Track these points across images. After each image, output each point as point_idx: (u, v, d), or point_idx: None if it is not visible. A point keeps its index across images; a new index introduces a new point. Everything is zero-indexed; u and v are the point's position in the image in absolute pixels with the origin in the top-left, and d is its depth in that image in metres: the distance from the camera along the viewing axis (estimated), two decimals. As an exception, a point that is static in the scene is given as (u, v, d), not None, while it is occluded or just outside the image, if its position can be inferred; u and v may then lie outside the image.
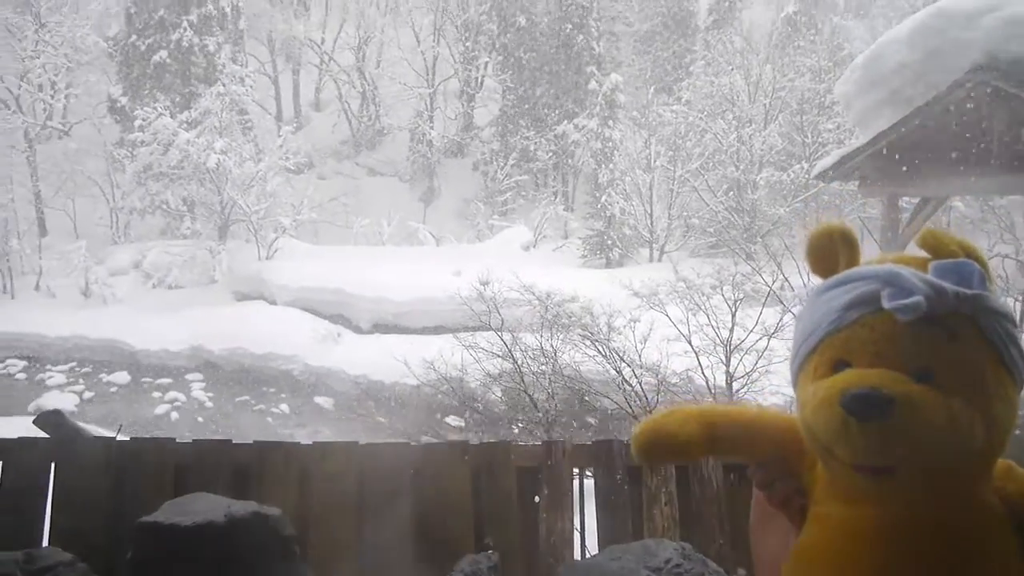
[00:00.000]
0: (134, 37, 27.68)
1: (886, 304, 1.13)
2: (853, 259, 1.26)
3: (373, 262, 22.28)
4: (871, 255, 1.34)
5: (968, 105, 8.34)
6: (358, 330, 20.36)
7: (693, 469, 3.76)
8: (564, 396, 11.41)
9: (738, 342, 10.88)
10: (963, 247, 1.20)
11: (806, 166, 21.84)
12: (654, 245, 24.81)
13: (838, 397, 1.12)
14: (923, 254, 1.21)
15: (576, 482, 3.86)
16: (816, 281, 1.35)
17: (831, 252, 1.28)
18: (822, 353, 1.21)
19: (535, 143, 30.43)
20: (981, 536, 1.17)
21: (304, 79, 36.47)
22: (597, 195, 25.42)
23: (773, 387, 10.62)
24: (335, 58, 34.92)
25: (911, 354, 1.12)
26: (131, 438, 4.06)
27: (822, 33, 27.02)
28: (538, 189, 31.66)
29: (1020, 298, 11.81)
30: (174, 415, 16.53)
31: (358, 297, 20.65)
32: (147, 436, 4.58)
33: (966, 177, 8.94)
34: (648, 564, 2.64)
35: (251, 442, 3.90)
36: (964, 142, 8.54)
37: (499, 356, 11.59)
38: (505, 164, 30.70)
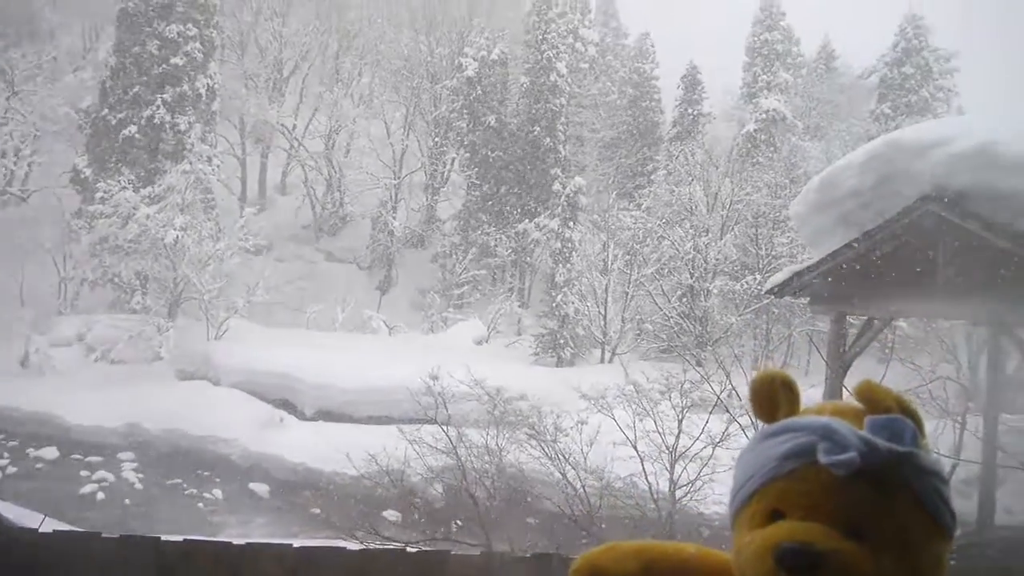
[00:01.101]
0: (106, 111, 27.73)
1: (821, 459, 1.13)
2: (793, 405, 1.26)
3: (323, 348, 22.06)
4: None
5: (915, 232, 8.63)
6: (302, 416, 19.99)
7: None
8: (506, 495, 11.25)
9: (683, 449, 10.87)
10: (898, 403, 1.20)
11: (759, 277, 22.31)
12: (606, 346, 24.96)
13: (771, 550, 1.10)
14: (859, 406, 1.21)
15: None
16: (759, 425, 1.35)
17: (772, 397, 1.28)
18: (759, 501, 1.20)
19: (495, 239, 30.77)
20: None
21: (272, 162, 36.73)
22: (553, 294, 25.65)
23: (716, 496, 10.57)
24: (304, 144, 35.31)
25: (843, 509, 1.11)
26: (54, 531, 3.84)
27: (780, 152, 28.02)
28: (495, 284, 31.87)
29: (959, 420, 12.00)
30: (100, 495, 15.87)
31: (305, 382, 20.35)
32: (69, 527, 4.36)
33: (911, 300, 9.19)
34: None
35: (181, 539, 3.71)
36: (910, 267, 8.80)
37: (443, 452, 11.43)
38: (464, 258, 30.93)
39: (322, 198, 35.56)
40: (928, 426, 1.23)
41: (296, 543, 3.77)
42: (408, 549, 3.67)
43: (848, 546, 1.08)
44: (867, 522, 1.11)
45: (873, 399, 1.21)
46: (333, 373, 20.17)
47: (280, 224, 33.93)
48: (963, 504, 9.65)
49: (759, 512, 1.20)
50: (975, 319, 11.41)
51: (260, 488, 16.74)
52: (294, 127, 35.54)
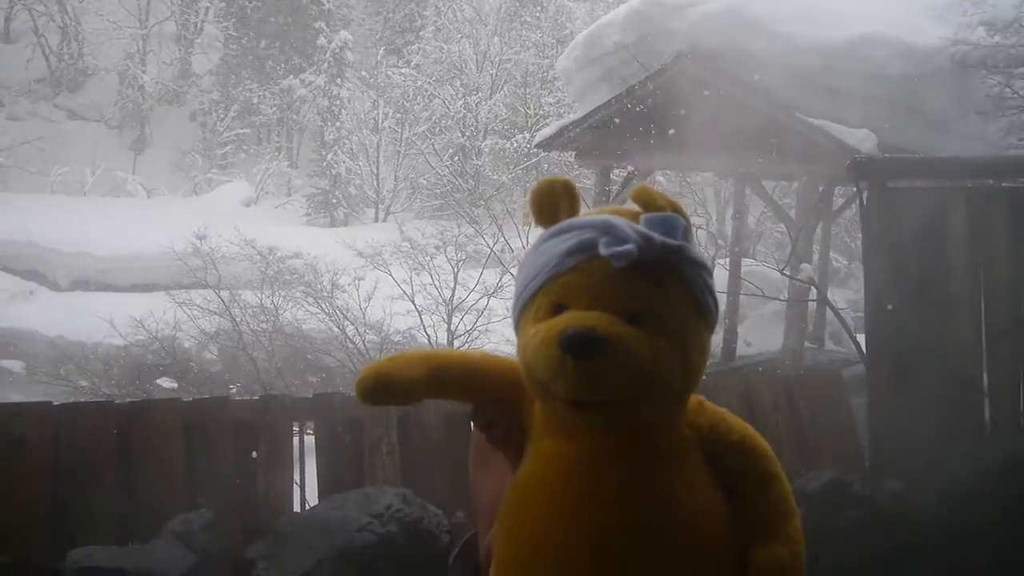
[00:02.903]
0: None
1: (602, 251, 1.21)
2: (574, 210, 1.34)
3: (75, 213, 20.31)
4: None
5: (671, 88, 9.11)
6: (55, 287, 18.52)
7: (415, 419, 3.82)
8: (285, 354, 11.13)
9: (459, 301, 11.18)
10: (670, 204, 1.31)
11: (528, 136, 22.71)
12: (380, 205, 24.77)
13: (556, 337, 1.18)
14: (635, 208, 1.31)
15: (296, 437, 3.79)
16: (538, 232, 1.41)
17: (553, 203, 1.34)
18: (543, 297, 1.28)
19: (258, 96, 29.07)
20: (679, 463, 1.28)
21: (-9, 5, 32.25)
22: (323, 153, 24.90)
23: (492, 345, 11.02)
24: (30, -15, 31.17)
25: (623, 298, 1.21)
26: None
27: (547, 11, 28.08)
28: (260, 144, 30.34)
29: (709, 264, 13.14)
30: None
31: (55, 251, 18.75)
32: None
33: (668, 154, 9.79)
34: (369, 511, 2.66)
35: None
36: (667, 122, 9.32)
37: (216, 314, 11.07)
38: (226, 116, 29.09)
39: (57, 48, 31.85)
40: None
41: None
42: (183, 398, 3.61)
43: (628, 330, 1.18)
44: (644, 309, 1.22)
45: (648, 200, 1.31)
46: (87, 240, 18.70)
47: (8, 78, 30.22)
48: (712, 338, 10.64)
49: (543, 307, 1.27)
50: (724, 172, 12.38)
51: (14, 365, 15.52)
52: (17, -35, 31.24)
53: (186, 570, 2.46)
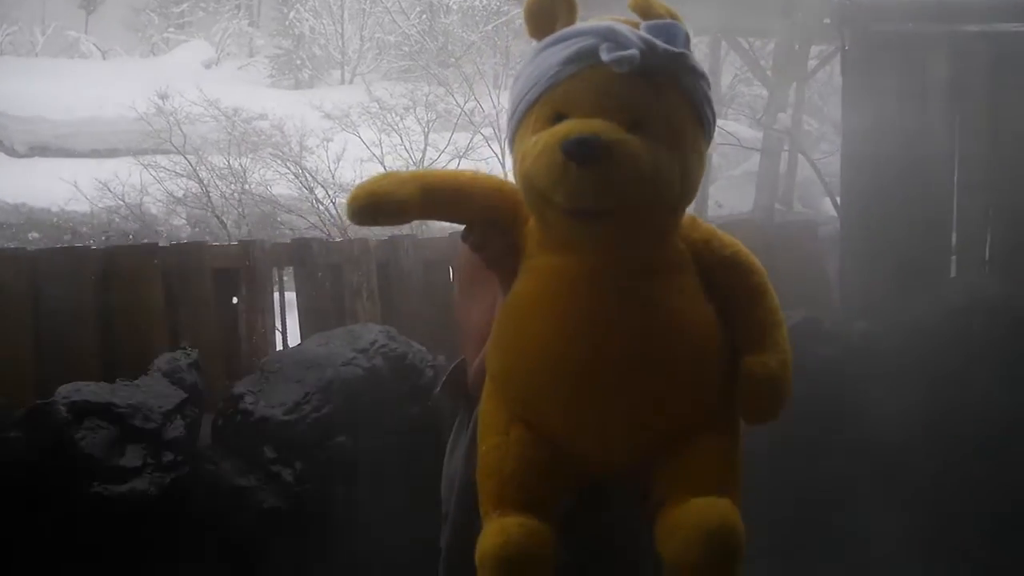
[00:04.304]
0: None
1: (604, 57, 1.19)
2: (571, 21, 1.30)
3: (26, 76, 19.52)
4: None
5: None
6: (12, 153, 17.99)
7: (394, 264, 3.83)
8: (256, 218, 11.02)
9: (431, 163, 11.04)
10: (669, 12, 1.27)
11: (498, -7, 21.97)
12: (346, 66, 24.09)
13: (559, 144, 1.17)
14: (633, 18, 1.27)
15: (276, 282, 3.80)
16: (532, 44, 1.37)
17: (550, 13, 1.30)
18: (541, 107, 1.26)
19: (214, -51, 27.69)
20: (675, 276, 1.30)
21: None
22: (285, 11, 23.94)
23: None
24: None
25: (624, 105, 1.20)
26: None
27: None
28: (219, 2, 29.07)
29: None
30: None
31: (8, 115, 18.11)
32: None
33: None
34: (355, 346, 2.70)
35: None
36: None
37: (183, 176, 10.87)
38: (181, -29, 27.75)
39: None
40: None
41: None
42: (160, 244, 3.58)
43: (631, 138, 1.18)
44: (645, 117, 1.21)
45: (647, 8, 1.27)
46: (42, 104, 18.04)
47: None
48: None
49: (542, 116, 1.26)
50: (700, 28, 12.11)
51: (-24, 232, 15.25)
52: None
53: (175, 405, 2.50)
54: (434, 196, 1.35)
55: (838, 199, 5.61)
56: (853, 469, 3.51)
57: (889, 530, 3.43)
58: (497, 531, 1.25)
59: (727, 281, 1.35)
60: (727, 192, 11.44)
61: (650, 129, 1.21)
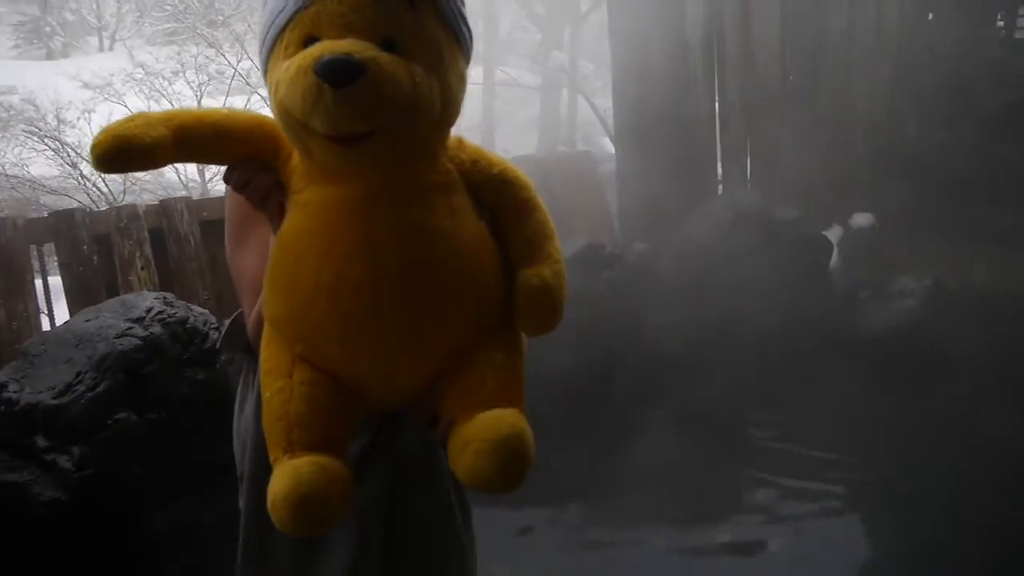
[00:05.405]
0: None
1: None
2: None
3: None
4: None
5: None
6: None
7: (169, 229, 3.62)
8: (14, 202, 10.08)
9: (208, 129, 10.49)
10: None
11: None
12: (104, 32, 22.39)
13: (311, 66, 1.11)
14: None
15: (36, 261, 3.49)
16: None
17: None
18: (291, 31, 1.20)
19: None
20: (444, 196, 1.29)
21: None
22: (26, -25, 21.88)
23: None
24: None
25: (377, 24, 1.16)
26: None
27: None
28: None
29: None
30: None
31: None
32: None
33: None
34: (128, 316, 2.52)
35: None
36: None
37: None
38: None
39: None
40: None
41: None
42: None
43: (385, 55, 1.14)
44: (399, 34, 1.18)
45: None
46: None
47: None
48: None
49: (293, 41, 1.21)
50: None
51: None
52: None
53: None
54: (187, 136, 1.26)
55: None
56: (639, 377, 3.69)
57: (680, 432, 3.65)
58: (287, 473, 1.21)
59: (497, 198, 1.36)
60: (512, 138, 11.63)
61: (405, 47, 1.18)
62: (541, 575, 3.00)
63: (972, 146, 4.37)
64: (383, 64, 1.13)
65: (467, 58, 1.32)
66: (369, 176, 1.23)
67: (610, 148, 7.75)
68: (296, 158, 1.29)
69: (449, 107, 1.25)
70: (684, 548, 3.15)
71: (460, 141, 1.36)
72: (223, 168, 1.35)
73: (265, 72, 1.27)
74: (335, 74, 1.11)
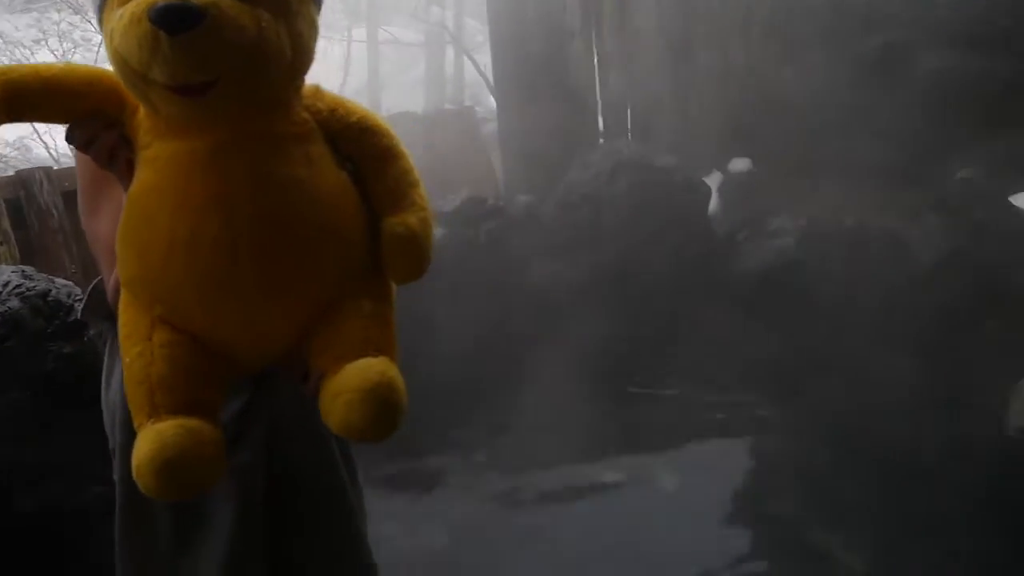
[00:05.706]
0: None
1: None
2: None
3: None
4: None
5: None
6: None
7: (28, 202, 3.44)
8: None
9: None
10: None
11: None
12: (-44, 3, 20.95)
13: (145, 13, 1.05)
14: None
15: None
16: None
17: None
18: None
19: None
20: (300, 146, 1.25)
21: None
22: None
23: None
24: None
25: None
26: None
27: None
28: None
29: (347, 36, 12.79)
30: None
31: None
32: None
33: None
34: (-20, 292, 2.38)
35: None
36: None
37: None
38: None
39: None
40: None
41: None
42: None
43: (227, 0, 1.09)
44: None
45: None
46: None
47: None
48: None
49: None
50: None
51: None
52: None
53: None
54: (20, 93, 1.19)
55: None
56: (528, 327, 3.73)
57: (570, 379, 3.71)
58: (151, 437, 1.17)
59: (358, 148, 1.33)
60: (397, 98, 11.48)
61: None
62: (438, 531, 3.02)
63: (844, 89, 4.52)
64: (224, 8, 1.08)
65: (318, 4, 1.28)
66: (218, 127, 1.19)
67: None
68: (142, 112, 1.24)
69: (301, 54, 1.21)
70: (579, 488, 3.22)
71: (318, 90, 1.33)
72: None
73: (101, 23, 1.20)
74: (171, 20, 1.05)
